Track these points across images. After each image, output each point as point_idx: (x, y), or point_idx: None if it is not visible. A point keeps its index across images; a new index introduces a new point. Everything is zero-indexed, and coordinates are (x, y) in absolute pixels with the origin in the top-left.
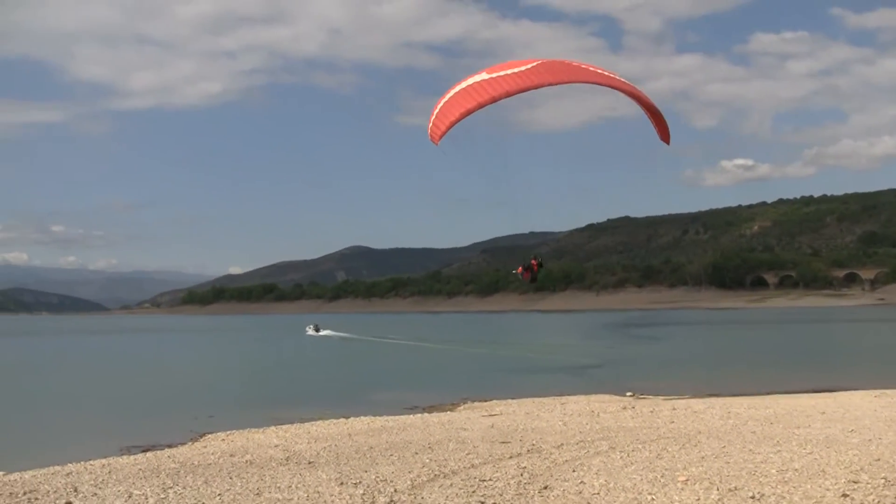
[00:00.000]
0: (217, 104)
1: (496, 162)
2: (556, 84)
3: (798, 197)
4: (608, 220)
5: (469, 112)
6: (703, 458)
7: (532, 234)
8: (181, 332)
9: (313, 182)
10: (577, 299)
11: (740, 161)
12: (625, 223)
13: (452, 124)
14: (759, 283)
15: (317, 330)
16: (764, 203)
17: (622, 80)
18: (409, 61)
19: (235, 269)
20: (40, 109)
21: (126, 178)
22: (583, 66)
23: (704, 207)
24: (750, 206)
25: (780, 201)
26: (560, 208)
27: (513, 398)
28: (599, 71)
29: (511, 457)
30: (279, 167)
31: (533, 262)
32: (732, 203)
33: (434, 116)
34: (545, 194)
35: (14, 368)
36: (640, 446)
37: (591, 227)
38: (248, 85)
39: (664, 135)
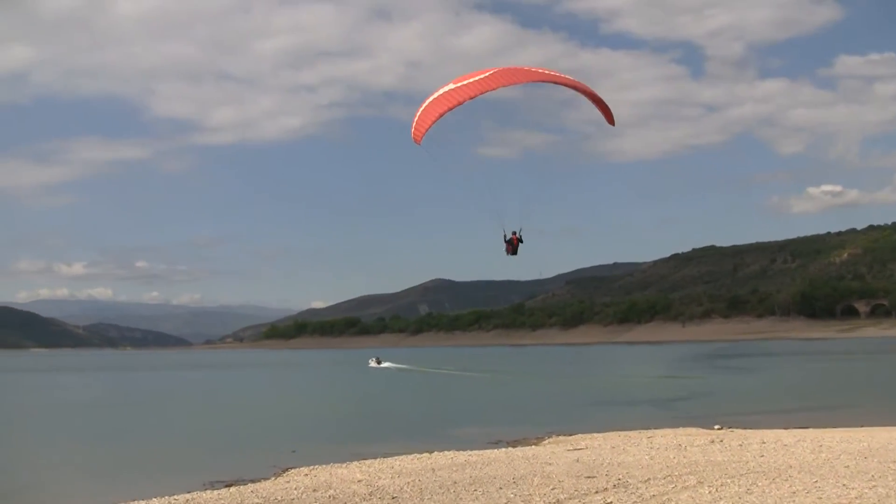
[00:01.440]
0: (297, 138)
1: (577, 193)
2: (509, 85)
3: (889, 223)
4: (693, 249)
5: (442, 115)
6: (794, 493)
7: (616, 264)
8: (263, 367)
9: (394, 215)
10: (663, 331)
11: (828, 187)
12: (710, 253)
13: (430, 126)
14: (850, 313)
15: (378, 362)
16: (853, 230)
17: (565, 76)
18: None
19: (318, 304)
20: (124, 146)
21: (208, 213)
22: (533, 70)
23: (792, 235)
24: (839, 234)
25: (871, 228)
26: (644, 238)
27: (598, 432)
28: (547, 71)
29: (597, 492)
30: (360, 200)
31: (514, 236)
32: (821, 230)
33: (415, 121)
34: (629, 224)
35: (99, 403)
36: (728, 481)
37: (675, 257)
38: (328, 118)
39: (609, 116)
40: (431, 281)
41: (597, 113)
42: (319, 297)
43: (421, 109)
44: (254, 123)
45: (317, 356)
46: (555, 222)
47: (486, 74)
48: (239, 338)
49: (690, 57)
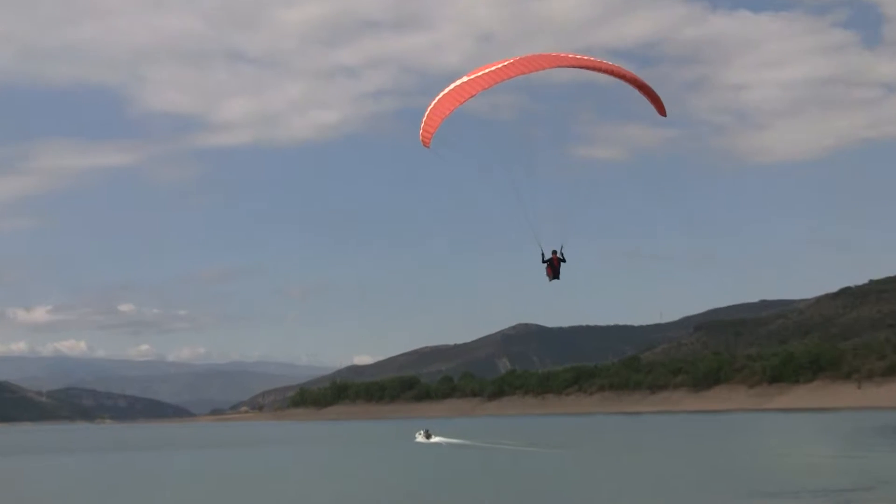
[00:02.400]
0: (333, 138)
1: (708, 206)
2: (532, 72)
3: None
4: (871, 282)
5: (451, 111)
6: None
7: (763, 302)
8: (291, 445)
9: (464, 241)
10: (831, 393)
11: None
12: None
13: (438, 125)
14: None
15: (427, 436)
16: None
17: (603, 61)
18: (588, 74)
19: (363, 359)
20: (105, 150)
21: (217, 238)
22: (562, 55)
23: None
24: None
25: None
26: (801, 267)
27: None
28: (580, 57)
29: None
30: (417, 223)
31: (553, 255)
32: None
33: (423, 122)
34: (780, 248)
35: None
36: None
37: (846, 292)
38: (374, 112)
39: (660, 107)
40: (514, 327)
41: (736, 100)
42: (364, 350)
43: (430, 107)
44: (276, 119)
45: (360, 429)
46: (678, 245)
47: (506, 63)
48: (258, 405)
49: (862, 18)
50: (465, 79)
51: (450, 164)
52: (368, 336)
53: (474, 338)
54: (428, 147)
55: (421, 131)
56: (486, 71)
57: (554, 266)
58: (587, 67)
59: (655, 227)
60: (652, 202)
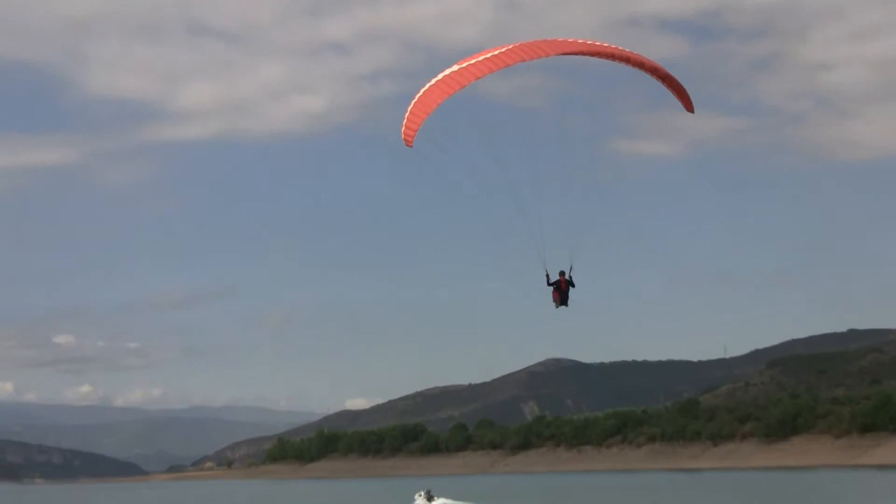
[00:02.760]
0: (320, 131)
1: (781, 213)
2: (533, 58)
3: None
4: None
5: (438, 104)
6: None
7: (853, 332)
8: None
9: (480, 257)
10: None
11: None
12: None
13: (423, 120)
14: None
15: (429, 499)
16: None
17: (621, 49)
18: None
19: (356, 403)
20: (37, 146)
21: (177, 253)
22: (570, 41)
23: None
24: None
25: None
26: None
27: None
28: (593, 43)
29: None
30: (422, 235)
31: (561, 277)
32: None
33: (406, 117)
34: (874, 267)
35: None
36: None
37: None
38: (370, 97)
39: (687, 102)
40: (544, 363)
41: (816, 82)
42: (358, 391)
43: (414, 100)
44: (249, 107)
45: (352, 490)
46: (746, 262)
47: (503, 49)
48: (226, 460)
49: None
50: (455, 67)
51: (442, 166)
52: (363, 374)
53: (494, 376)
54: (410, 146)
55: (403, 128)
56: (481, 58)
57: (561, 290)
58: (598, 55)
59: (717, 240)
60: (712, 208)
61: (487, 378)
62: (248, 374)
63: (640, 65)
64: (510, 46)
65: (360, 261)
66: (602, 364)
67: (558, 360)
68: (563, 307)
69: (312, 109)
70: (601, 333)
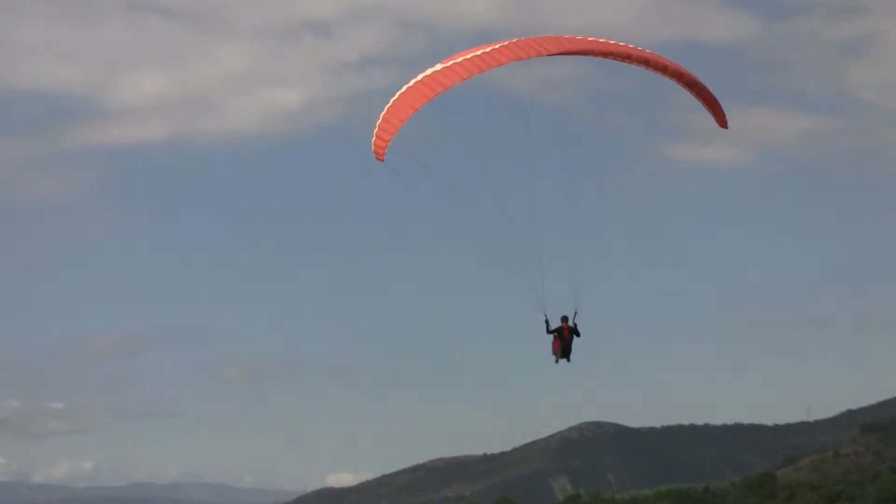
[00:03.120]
0: (295, 132)
1: (878, 237)
2: (530, 57)
3: None
4: None
5: (414, 111)
6: None
7: None
8: None
9: (497, 295)
10: None
11: None
12: None
13: (397, 129)
14: None
15: None
16: None
17: (641, 49)
18: (688, 32)
19: (342, 479)
20: None
21: (113, 290)
22: (577, 38)
23: None
24: None
25: None
26: None
27: None
28: (603, 41)
29: None
30: (423, 264)
31: (563, 324)
32: None
33: (377, 126)
34: None
35: None
36: None
37: None
38: (356, 91)
39: (719, 116)
40: (579, 428)
41: None
42: (343, 464)
43: (387, 106)
44: (206, 102)
45: None
46: (834, 301)
47: (495, 47)
48: None
49: None
50: (438, 67)
51: (424, 184)
52: (349, 442)
53: (515, 444)
54: (381, 160)
55: (373, 139)
56: (469, 56)
57: (564, 338)
58: (610, 55)
59: (797, 274)
60: (790, 232)
61: (507, 447)
62: (203, 443)
63: (663, 69)
64: (504, 43)
65: (345, 299)
66: (651, 429)
67: (597, 424)
68: (564, 362)
69: (286, 105)
70: (650, 390)
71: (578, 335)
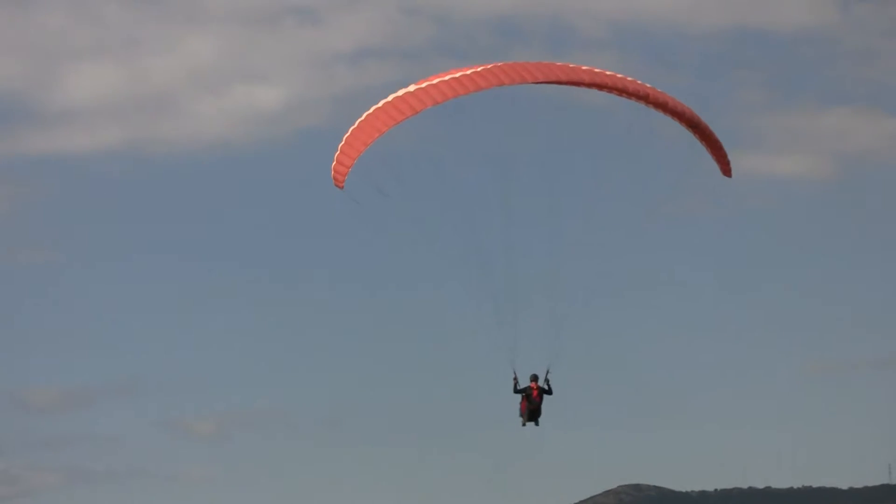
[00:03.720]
0: (275, 140)
1: None
2: (514, 83)
3: None
4: None
5: (378, 135)
6: None
7: None
8: None
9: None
10: None
11: None
12: None
13: (359, 154)
14: None
15: None
16: None
17: (636, 81)
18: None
19: None
20: None
21: (57, 333)
22: (570, 66)
23: None
24: None
25: None
26: None
27: None
28: (600, 71)
29: None
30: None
31: (533, 384)
32: None
33: (338, 150)
34: None
35: None
36: None
37: None
38: (350, 88)
39: (723, 162)
40: (615, 492)
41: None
42: None
43: (352, 127)
44: (169, 102)
45: None
46: None
47: (476, 70)
48: None
49: None
50: (411, 88)
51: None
52: None
53: None
54: (340, 188)
55: (333, 164)
56: (447, 78)
57: (532, 401)
58: (605, 88)
59: (880, 306)
60: (875, 256)
61: None
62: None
63: (663, 105)
64: (488, 66)
65: (337, 342)
66: (702, 493)
67: (636, 487)
68: (531, 426)
69: (265, 106)
70: (699, 447)
71: (550, 392)
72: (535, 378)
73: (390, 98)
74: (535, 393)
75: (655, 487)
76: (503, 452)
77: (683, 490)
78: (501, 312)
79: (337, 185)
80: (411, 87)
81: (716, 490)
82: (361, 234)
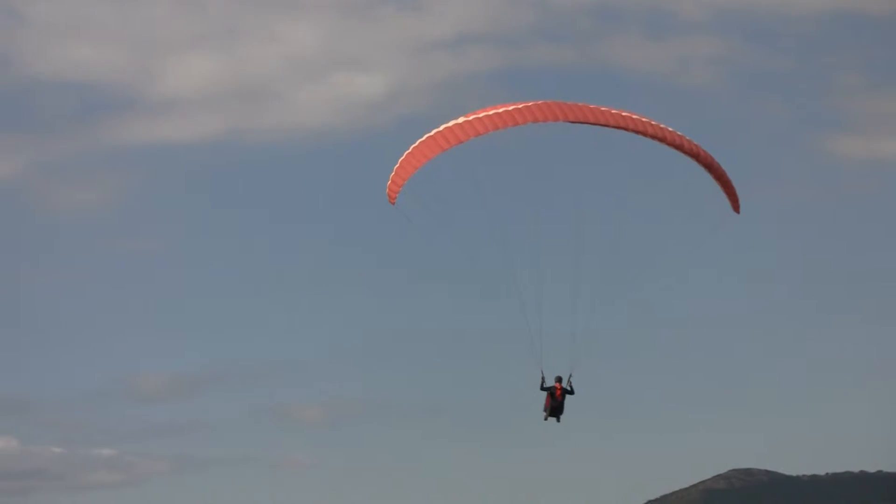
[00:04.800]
0: (376, 128)
1: None
2: (548, 121)
3: None
4: None
5: (426, 160)
6: None
7: None
8: None
9: None
10: None
11: None
12: None
13: (411, 174)
14: None
15: None
16: None
17: (661, 126)
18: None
19: None
20: None
21: (162, 321)
22: (602, 109)
23: None
24: None
25: None
26: None
27: None
28: (627, 114)
29: None
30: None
31: (557, 385)
32: None
33: (394, 170)
34: None
35: None
36: None
37: None
38: (451, 76)
39: (733, 200)
40: (726, 476)
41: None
42: None
43: (406, 152)
44: (268, 91)
45: None
46: None
47: (518, 106)
48: None
49: None
50: (461, 120)
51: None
52: (455, 495)
53: (651, 497)
54: (392, 203)
55: (388, 182)
56: (491, 112)
57: (555, 399)
58: (626, 129)
59: None
60: None
61: (640, 500)
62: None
63: (679, 147)
64: (528, 104)
65: (443, 333)
66: (814, 477)
67: (747, 472)
68: (553, 420)
69: (366, 93)
70: (812, 430)
71: (572, 392)
72: (559, 379)
73: (441, 128)
74: (558, 392)
75: (766, 472)
76: (619, 439)
77: (794, 474)
78: (534, 322)
79: (390, 202)
80: (460, 119)
81: (827, 474)
82: (469, 219)
